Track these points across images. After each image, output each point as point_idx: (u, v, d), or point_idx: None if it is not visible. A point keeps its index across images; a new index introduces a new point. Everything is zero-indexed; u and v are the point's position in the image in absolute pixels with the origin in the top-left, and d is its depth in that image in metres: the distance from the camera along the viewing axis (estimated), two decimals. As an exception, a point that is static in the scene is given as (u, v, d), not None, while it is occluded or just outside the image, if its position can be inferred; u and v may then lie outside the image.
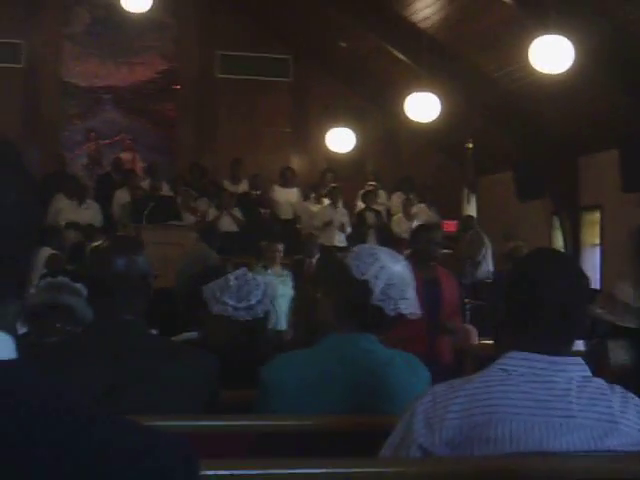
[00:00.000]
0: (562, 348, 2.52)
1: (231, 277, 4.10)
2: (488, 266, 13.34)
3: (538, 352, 2.50)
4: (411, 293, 3.13)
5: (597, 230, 14.26)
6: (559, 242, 14.89)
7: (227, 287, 4.04)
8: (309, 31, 16.83)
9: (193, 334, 4.73)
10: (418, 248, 7.06)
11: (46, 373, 1.29)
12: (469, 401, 2.45)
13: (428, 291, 6.48)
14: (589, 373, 2.54)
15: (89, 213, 14.56)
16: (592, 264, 14.21)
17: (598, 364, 4.82)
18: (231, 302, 4.01)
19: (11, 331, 1.30)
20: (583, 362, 2.54)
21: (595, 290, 11.54)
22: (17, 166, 1.32)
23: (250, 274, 4.19)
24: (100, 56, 17.23)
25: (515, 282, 2.64)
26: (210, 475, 2.25)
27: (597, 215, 14.25)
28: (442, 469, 2.43)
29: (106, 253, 3.23)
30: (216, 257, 11.01)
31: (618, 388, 2.55)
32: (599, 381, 2.54)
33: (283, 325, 8.61)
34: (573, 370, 2.50)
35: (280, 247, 10.82)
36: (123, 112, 17.30)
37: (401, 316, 3.12)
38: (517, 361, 2.51)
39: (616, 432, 2.44)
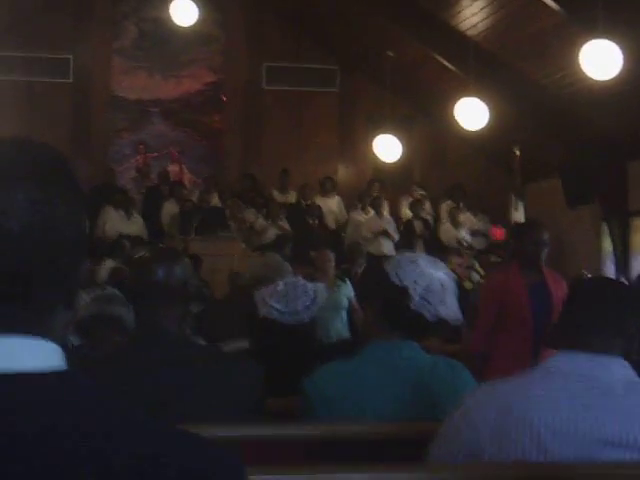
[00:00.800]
0: (606, 350, 2.53)
1: (280, 282, 4.13)
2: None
3: (583, 352, 2.53)
4: (451, 299, 3.12)
5: (647, 236, 14.14)
6: (608, 248, 14.77)
7: (275, 291, 4.06)
8: (355, 41, 16.85)
9: (244, 343, 4.75)
10: (523, 250, 6.35)
11: (95, 384, 1.32)
12: (509, 399, 2.45)
13: (535, 297, 6.16)
14: (637, 378, 2.54)
15: (136, 226, 14.69)
16: (640, 269, 14.09)
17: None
18: (277, 306, 4.02)
19: (60, 342, 1.32)
20: (629, 366, 2.55)
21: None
22: (68, 180, 1.35)
23: (302, 281, 4.20)
24: (148, 69, 17.37)
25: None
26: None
27: (647, 221, 14.12)
28: (490, 472, 2.42)
29: (145, 263, 3.26)
30: (289, 268, 11.01)
31: None
32: None
33: (334, 336, 8.63)
34: (618, 371, 2.51)
35: (331, 255, 10.44)
36: (171, 124, 17.42)
37: (442, 322, 3.11)
38: (560, 361, 2.53)
39: None
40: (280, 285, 4.09)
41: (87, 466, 1.21)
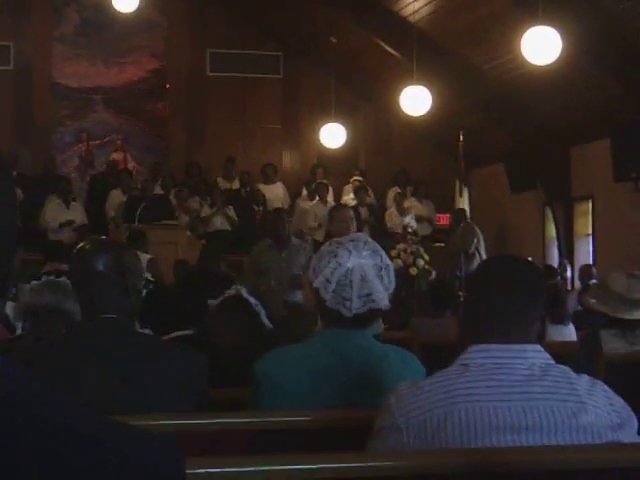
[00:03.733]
0: (519, 338, 2.55)
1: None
2: (482, 258, 13.35)
3: (495, 343, 2.54)
4: (376, 286, 3.09)
5: (589, 220, 14.28)
6: (552, 233, 14.92)
7: None
8: (299, 27, 16.82)
9: (187, 332, 4.72)
10: None
11: (28, 374, 1.29)
12: (430, 397, 2.48)
13: None
14: (552, 360, 2.57)
15: (76, 214, 14.56)
16: (585, 254, 14.24)
17: (591, 354, 4.82)
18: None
19: None
20: (543, 349, 2.58)
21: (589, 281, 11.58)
22: None
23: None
24: (90, 57, 17.19)
25: (472, 283, 2.77)
26: (200, 473, 2.24)
27: (589, 205, 14.26)
28: (431, 461, 2.43)
29: (85, 254, 3.24)
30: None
31: (585, 375, 2.58)
32: (564, 367, 2.58)
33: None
34: (534, 357, 2.54)
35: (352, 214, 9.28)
36: (114, 112, 17.27)
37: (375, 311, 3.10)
38: (475, 354, 2.55)
39: (585, 412, 2.46)
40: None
41: (19, 458, 1.18)
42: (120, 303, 3.21)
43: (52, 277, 4.81)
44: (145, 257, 10.95)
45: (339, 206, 9.81)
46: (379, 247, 3.17)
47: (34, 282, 5.73)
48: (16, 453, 1.18)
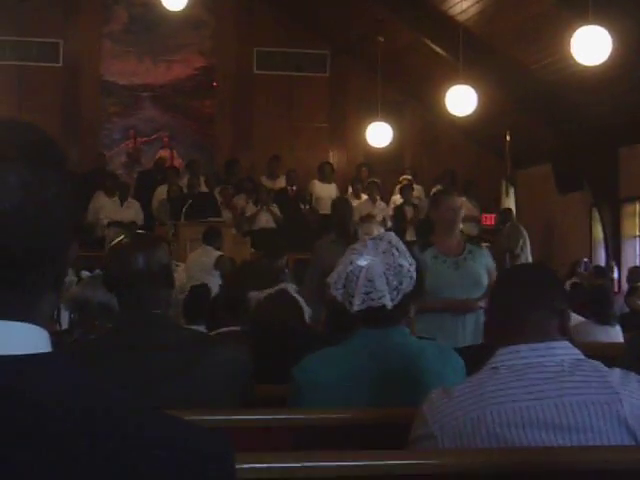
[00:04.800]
0: (543, 336, 2.58)
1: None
2: (527, 258, 13.29)
3: (523, 343, 2.57)
4: (377, 285, 3.10)
5: (637, 222, 14.16)
6: (599, 234, 14.80)
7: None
8: (346, 26, 16.82)
9: (234, 328, 4.75)
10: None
11: (81, 366, 1.32)
12: (462, 402, 2.51)
13: None
14: (581, 355, 2.59)
15: (130, 212, 14.65)
16: (632, 256, 14.12)
17: (639, 356, 4.78)
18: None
19: (46, 326, 1.32)
20: (572, 346, 2.60)
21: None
22: (58, 162, 1.34)
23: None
24: (138, 54, 17.30)
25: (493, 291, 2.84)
26: (246, 468, 2.26)
27: (637, 206, 14.14)
28: (471, 460, 2.43)
29: (125, 250, 3.26)
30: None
31: (618, 369, 2.59)
32: (594, 362, 2.59)
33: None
34: (563, 354, 2.56)
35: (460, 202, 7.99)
36: (161, 109, 17.37)
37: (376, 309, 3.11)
38: (504, 356, 2.58)
39: (619, 402, 2.47)
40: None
41: (72, 446, 1.21)
42: (163, 297, 3.25)
43: (98, 271, 4.86)
44: (215, 254, 11.05)
45: (445, 192, 8.67)
46: (402, 247, 3.18)
47: (85, 272, 5.78)
48: (68, 442, 1.21)
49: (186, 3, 14.61)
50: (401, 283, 3.13)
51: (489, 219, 15.73)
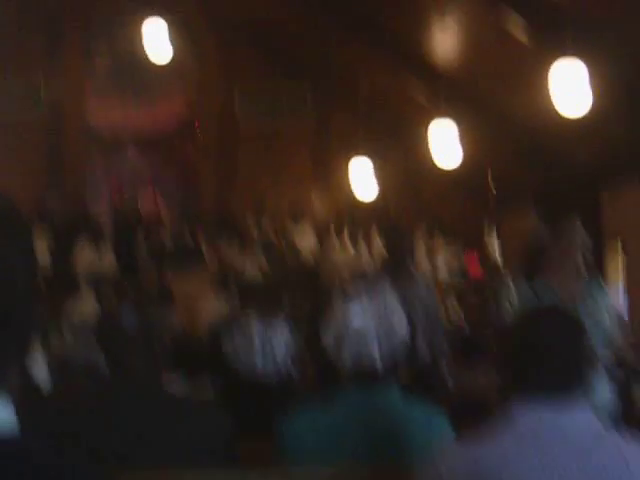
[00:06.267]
0: (565, 394, 2.51)
1: (254, 334, 4.10)
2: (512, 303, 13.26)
3: (543, 398, 2.50)
4: (373, 345, 3.09)
5: (620, 264, 14.15)
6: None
7: (250, 346, 4.04)
8: (328, 68, 16.87)
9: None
10: None
11: (47, 445, 1.29)
12: (478, 458, 2.44)
13: None
14: (599, 424, 2.53)
15: (107, 259, 14.55)
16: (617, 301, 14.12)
17: (626, 408, 4.75)
18: (258, 362, 4.00)
19: (13, 395, 1.29)
20: (590, 409, 2.54)
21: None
22: (20, 229, 1.33)
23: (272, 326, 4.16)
24: (122, 99, 17.34)
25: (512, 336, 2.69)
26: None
27: (619, 249, 14.14)
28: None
29: (108, 310, 3.27)
30: None
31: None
32: (618, 439, 2.51)
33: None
34: (583, 419, 2.49)
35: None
36: (146, 155, 17.39)
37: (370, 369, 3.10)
38: (523, 413, 2.50)
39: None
40: (254, 339, 4.05)
41: None
42: (145, 362, 3.23)
43: (79, 331, 4.82)
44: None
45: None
46: (392, 307, 3.18)
47: (61, 334, 5.74)
48: None
49: (170, 56, 14.65)
50: (394, 345, 3.13)
51: (473, 261, 15.73)
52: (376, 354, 3.09)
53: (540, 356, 2.54)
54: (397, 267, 7.27)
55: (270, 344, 4.13)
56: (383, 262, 7.68)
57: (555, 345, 2.55)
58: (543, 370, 2.53)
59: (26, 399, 1.33)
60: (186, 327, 10.54)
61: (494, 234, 15.26)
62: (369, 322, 3.10)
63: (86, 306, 11.74)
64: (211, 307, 11.62)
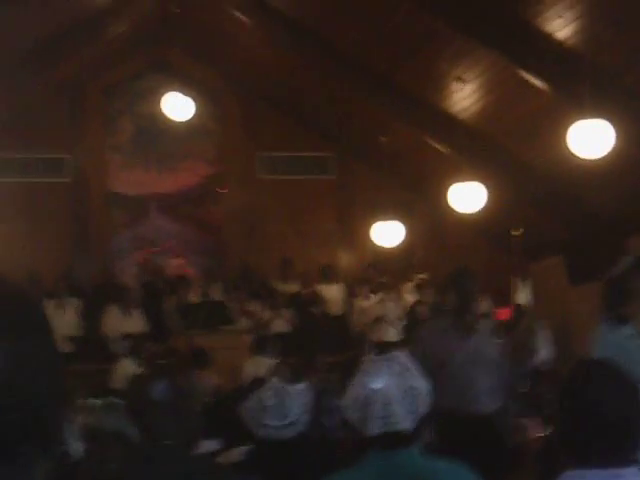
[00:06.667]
0: (617, 461, 2.44)
1: (268, 393, 4.07)
2: (545, 353, 13.16)
3: (595, 467, 2.43)
4: (397, 408, 3.06)
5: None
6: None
7: (265, 407, 4.01)
8: (349, 128, 16.97)
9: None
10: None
11: None
12: None
13: None
14: None
15: (140, 323, 14.51)
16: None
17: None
18: (273, 423, 3.96)
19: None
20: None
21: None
22: (39, 327, 1.32)
23: (288, 386, 4.14)
24: (145, 164, 17.45)
25: (567, 397, 2.60)
26: None
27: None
28: None
29: (141, 381, 3.26)
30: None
31: None
32: None
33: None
34: None
35: None
36: (170, 218, 17.44)
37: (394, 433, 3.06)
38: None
39: None
40: (269, 399, 4.03)
41: None
42: (177, 429, 3.21)
43: (111, 398, 4.82)
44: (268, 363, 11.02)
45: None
46: (413, 368, 3.16)
47: (93, 401, 5.73)
48: None
49: (192, 114, 14.77)
50: (417, 406, 3.10)
51: (503, 314, 15.63)
52: (400, 414, 3.06)
53: (590, 420, 2.47)
54: (462, 312, 6.61)
55: (300, 405, 4.09)
56: (448, 306, 6.85)
57: (607, 408, 2.47)
58: (593, 435, 2.47)
59: (58, 465, 1.32)
60: (218, 388, 10.58)
61: (524, 284, 15.18)
62: (392, 382, 3.08)
63: (118, 371, 11.82)
64: (243, 365, 11.68)
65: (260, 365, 11.21)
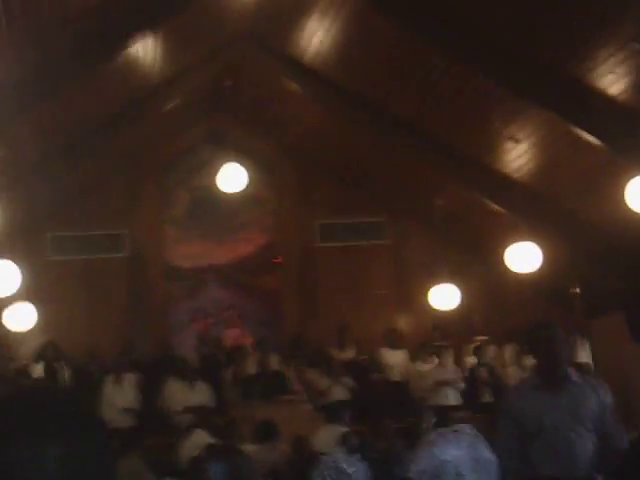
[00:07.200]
0: None
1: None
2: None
3: None
4: (472, 478, 2.98)
5: None
6: (682, 382, 14.41)
7: None
8: (403, 191, 16.98)
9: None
10: None
11: None
12: None
13: None
14: None
15: (200, 395, 14.37)
16: None
17: None
18: None
19: None
20: None
21: None
22: (97, 433, 1.36)
23: (342, 461, 4.06)
24: (202, 236, 17.56)
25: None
26: None
27: None
28: None
29: (201, 463, 3.23)
30: None
31: None
32: None
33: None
34: None
35: None
36: (227, 289, 17.50)
37: None
38: None
39: None
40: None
41: None
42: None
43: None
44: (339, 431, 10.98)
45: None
46: (481, 439, 3.07)
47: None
48: None
49: (244, 186, 14.86)
50: (489, 476, 3.02)
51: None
52: None
53: None
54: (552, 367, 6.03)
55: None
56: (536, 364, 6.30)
57: None
58: None
59: None
60: (284, 460, 10.51)
61: (586, 344, 14.98)
62: (463, 452, 3.00)
63: (185, 445, 11.74)
64: (308, 434, 11.63)
65: (330, 433, 11.19)
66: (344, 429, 11.23)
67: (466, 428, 3.11)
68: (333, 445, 10.61)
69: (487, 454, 3.03)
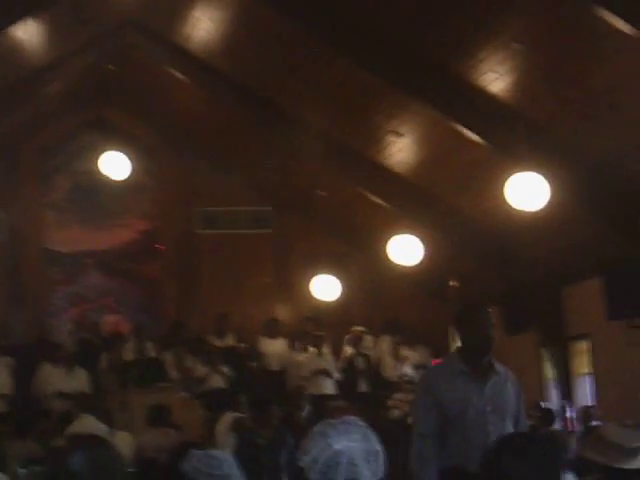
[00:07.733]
0: None
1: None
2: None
3: None
4: (362, 471, 3.02)
5: (587, 359, 14.15)
6: (549, 373, 14.77)
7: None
8: (287, 182, 16.99)
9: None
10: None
11: None
12: None
13: None
14: None
15: (77, 381, 14.15)
16: (584, 393, 14.09)
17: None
18: None
19: None
20: None
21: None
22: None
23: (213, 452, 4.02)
24: (81, 221, 17.32)
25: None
26: None
27: (585, 344, 14.16)
28: None
29: (61, 452, 3.21)
30: None
31: None
32: None
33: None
34: None
35: None
36: (107, 275, 17.31)
37: None
38: None
39: None
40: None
41: None
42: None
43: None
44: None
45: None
46: (371, 431, 3.11)
47: (21, 470, 5.63)
48: None
49: (128, 173, 14.73)
50: (379, 468, 3.06)
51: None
52: (366, 476, 3.01)
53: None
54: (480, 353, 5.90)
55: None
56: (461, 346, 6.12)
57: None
58: None
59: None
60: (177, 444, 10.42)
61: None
62: (355, 444, 3.02)
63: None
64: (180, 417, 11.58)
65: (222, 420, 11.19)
66: (238, 415, 11.23)
67: (356, 420, 3.14)
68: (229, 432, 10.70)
69: (377, 446, 3.07)
